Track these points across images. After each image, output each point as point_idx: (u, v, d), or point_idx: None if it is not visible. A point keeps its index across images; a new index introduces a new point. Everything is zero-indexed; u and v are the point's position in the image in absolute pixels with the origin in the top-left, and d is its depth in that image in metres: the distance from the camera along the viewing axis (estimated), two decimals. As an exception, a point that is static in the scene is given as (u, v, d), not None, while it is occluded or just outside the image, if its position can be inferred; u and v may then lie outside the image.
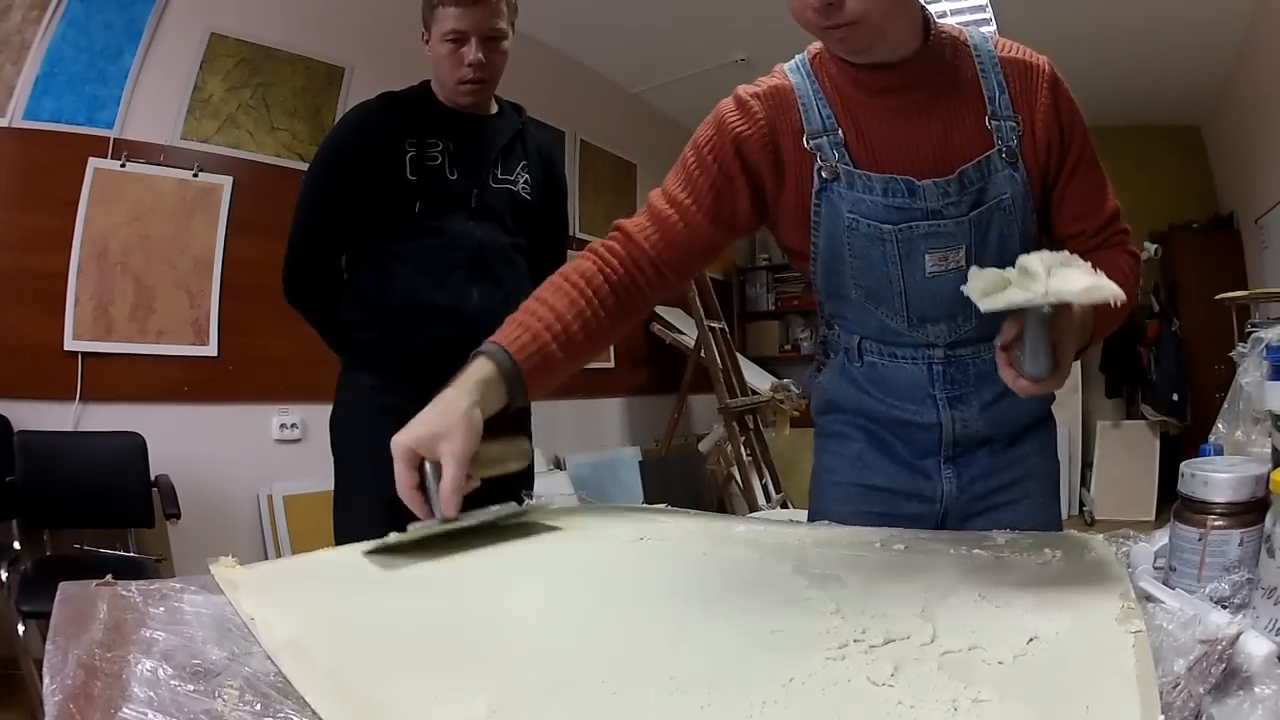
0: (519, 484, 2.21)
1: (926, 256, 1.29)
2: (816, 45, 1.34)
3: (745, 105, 1.33)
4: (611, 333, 1.33)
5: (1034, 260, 0.98)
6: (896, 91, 1.28)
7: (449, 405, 1.14)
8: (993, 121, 1.28)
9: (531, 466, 2.47)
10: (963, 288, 1.03)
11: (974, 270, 1.02)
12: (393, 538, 1.06)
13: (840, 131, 1.30)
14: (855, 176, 1.29)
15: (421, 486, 1.11)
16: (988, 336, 1.23)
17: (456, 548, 1.10)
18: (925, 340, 1.35)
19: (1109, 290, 0.95)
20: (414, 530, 1.08)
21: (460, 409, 1.13)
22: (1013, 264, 1.05)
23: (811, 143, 1.30)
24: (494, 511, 1.18)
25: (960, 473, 1.41)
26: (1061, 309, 1.03)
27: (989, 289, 1.00)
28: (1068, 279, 0.96)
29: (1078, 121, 1.32)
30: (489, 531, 1.16)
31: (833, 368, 1.47)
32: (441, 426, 1.11)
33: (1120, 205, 1.39)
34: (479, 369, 1.19)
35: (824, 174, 1.30)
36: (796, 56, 1.37)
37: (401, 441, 1.11)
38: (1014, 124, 1.29)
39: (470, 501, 1.16)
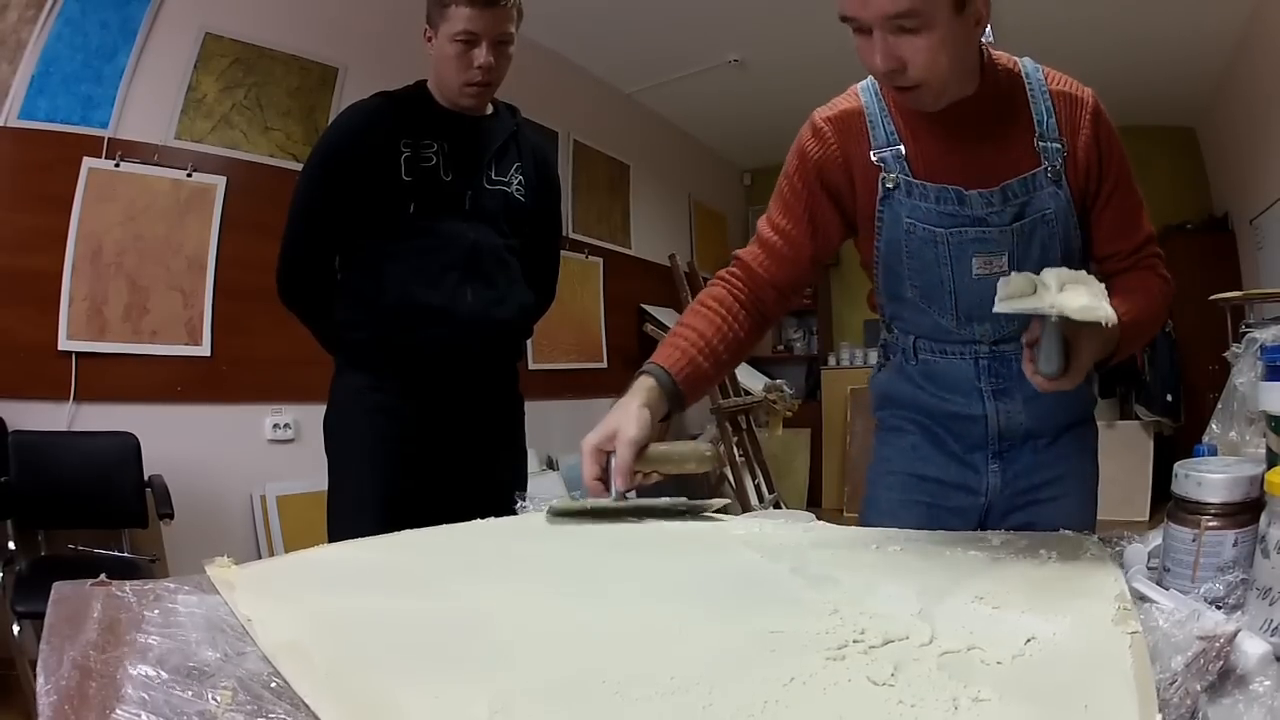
0: (511, 486, 2.22)
1: (974, 260, 1.41)
2: None
3: (820, 132, 1.48)
4: (748, 344, 1.55)
5: (1051, 274, 1.09)
6: (953, 115, 1.38)
7: (622, 407, 1.34)
8: (1040, 143, 1.39)
9: (525, 468, 2.48)
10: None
11: (1002, 280, 1.12)
12: (576, 503, 1.26)
13: (902, 146, 1.42)
14: (913, 186, 1.41)
15: (603, 478, 1.31)
16: None
17: (458, 549, 1.11)
18: (972, 337, 1.47)
19: (1104, 313, 1.05)
20: (593, 501, 1.28)
21: (631, 408, 1.33)
22: None
23: (876, 156, 1.43)
24: (662, 502, 1.34)
25: (1005, 468, 1.52)
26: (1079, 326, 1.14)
27: (1013, 293, 1.10)
28: (1073, 296, 1.06)
29: (1115, 149, 1.43)
30: (491, 534, 1.17)
31: (891, 368, 1.60)
32: (617, 422, 1.31)
33: (1154, 231, 1.49)
34: (643, 384, 1.39)
35: (888, 184, 1.43)
36: (869, 77, 1.46)
37: (589, 441, 1.31)
38: (1059, 146, 1.40)
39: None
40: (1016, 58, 1.44)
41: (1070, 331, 1.14)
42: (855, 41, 1.26)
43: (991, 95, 1.39)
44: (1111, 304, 1.29)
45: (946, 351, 1.50)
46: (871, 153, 1.43)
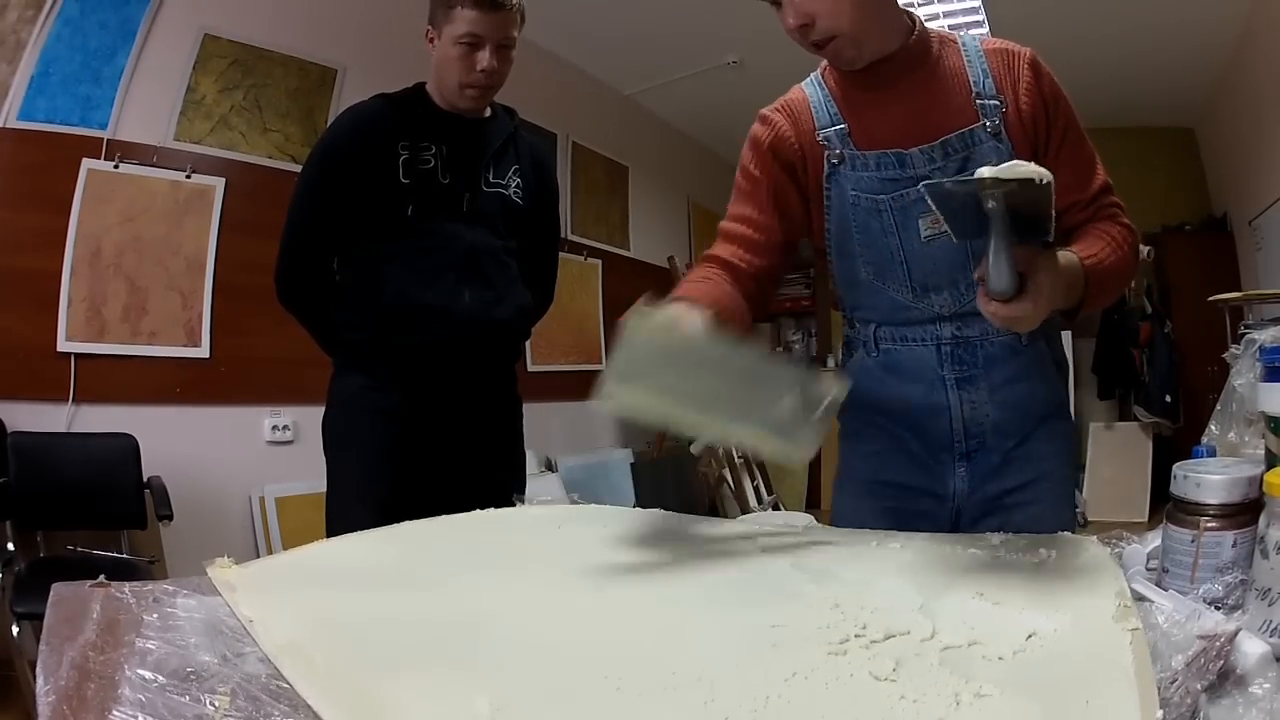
0: (510, 487, 2.22)
1: (920, 221, 1.40)
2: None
3: (767, 119, 1.51)
4: (748, 318, 1.44)
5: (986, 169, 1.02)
6: (888, 84, 1.42)
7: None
8: (978, 101, 1.40)
9: (524, 469, 2.48)
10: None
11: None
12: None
13: (845, 124, 1.45)
14: (855, 158, 1.43)
15: None
16: None
17: (457, 544, 1.11)
18: (932, 312, 1.44)
19: (1030, 169, 0.99)
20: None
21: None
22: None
23: (821, 134, 1.45)
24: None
25: (973, 471, 1.47)
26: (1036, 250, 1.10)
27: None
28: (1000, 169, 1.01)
29: (1061, 100, 1.42)
30: (490, 528, 1.17)
31: (853, 366, 1.55)
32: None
33: (1111, 181, 1.46)
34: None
35: (832, 160, 1.45)
36: (812, 73, 1.53)
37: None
38: (997, 103, 1.39)
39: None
40: (955, 33, 1.48)
41: (1025, 260, 1.08)
42: (777, 16, 1.35)
43: (921, 60, 1.42)
44: (1073, 249, 1.30)
45: (907, 339, 1.46)
46: (817, 133, 1.45)
